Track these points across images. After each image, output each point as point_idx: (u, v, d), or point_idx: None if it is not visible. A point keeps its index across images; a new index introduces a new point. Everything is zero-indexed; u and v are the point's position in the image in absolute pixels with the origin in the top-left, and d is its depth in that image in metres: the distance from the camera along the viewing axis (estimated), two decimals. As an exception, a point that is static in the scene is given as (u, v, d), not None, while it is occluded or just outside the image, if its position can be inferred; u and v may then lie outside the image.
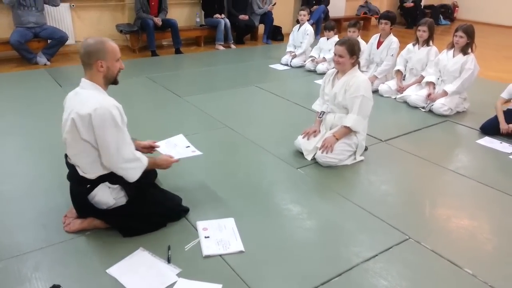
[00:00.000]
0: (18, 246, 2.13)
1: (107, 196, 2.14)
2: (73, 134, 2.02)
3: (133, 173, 2.12)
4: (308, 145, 3.16)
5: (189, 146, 2.65)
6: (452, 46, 4.22)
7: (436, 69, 4.37)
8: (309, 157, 3.13)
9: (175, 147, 2.61)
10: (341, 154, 3.05)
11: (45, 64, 5.61)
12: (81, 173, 2.11)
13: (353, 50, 2.92)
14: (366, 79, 3.06)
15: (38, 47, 5.71)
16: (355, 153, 3.14)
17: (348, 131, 3.04)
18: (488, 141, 3.62)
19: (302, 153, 3.17)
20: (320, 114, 3.24)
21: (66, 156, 2.19)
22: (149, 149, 2.49)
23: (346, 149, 3.08)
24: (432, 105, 4.22)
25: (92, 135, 2.00)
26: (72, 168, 2.16)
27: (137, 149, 2.23)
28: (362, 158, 3.18)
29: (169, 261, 2.05)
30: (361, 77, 3.02)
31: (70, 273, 1.98)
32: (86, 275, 1.96)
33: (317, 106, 3.32)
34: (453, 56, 4.20)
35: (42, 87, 4.67)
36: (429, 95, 4.29)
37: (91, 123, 1.96)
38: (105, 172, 2.12)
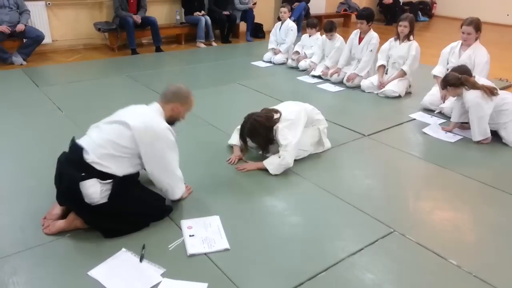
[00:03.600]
0: (-6, 251, 2.05)
1: (95, 191, 2.07)
2: (125, 132, 2.15)
3: (178, 192, 2.38)
4: None
5: None
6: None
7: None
8: None
9: None
10: (308, 145, 3.10)
11: (21, 64, 5.46)
12: (87, 158, 2.08)
13: None
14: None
15: (13, 46, 5.55)
16: (320, 141, 3.20)
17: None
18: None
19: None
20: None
21: (73, 138, 2.23)
22: None
23: (310, 141, 3.12)
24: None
25: (148, 148, 2.17)
26: (77, 150, 2.11)
27: None
28: (329, 145, 3.26)
29: (141, 260, 2.00)
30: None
31: (50, 276, 1.92)
32: (67, 278, 1.91)
33: None
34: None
35: (18, 88, 4.54)
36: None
37: (154, 139, 2.18)
38: (117, 169, 2.13)
